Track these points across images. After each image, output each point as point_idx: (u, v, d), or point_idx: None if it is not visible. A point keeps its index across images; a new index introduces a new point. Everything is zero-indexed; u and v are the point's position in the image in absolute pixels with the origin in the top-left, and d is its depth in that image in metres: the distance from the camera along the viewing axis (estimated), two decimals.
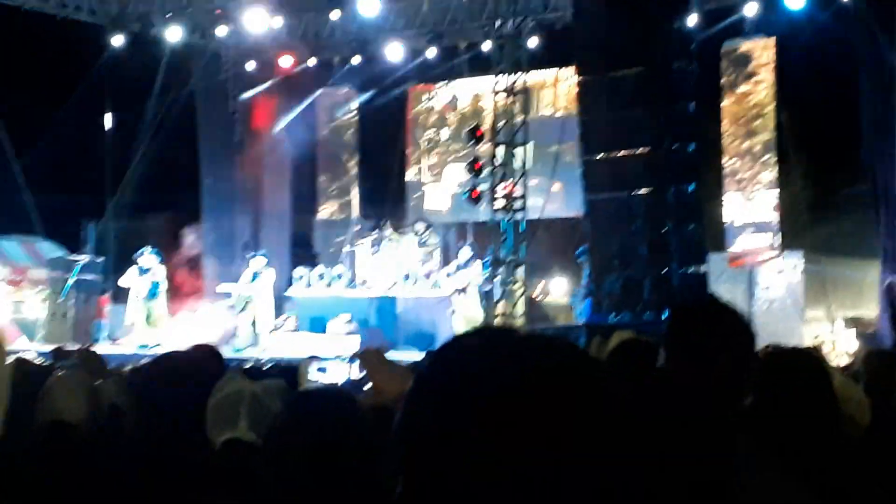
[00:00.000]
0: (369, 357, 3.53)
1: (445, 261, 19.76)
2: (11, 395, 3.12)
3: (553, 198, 19.69)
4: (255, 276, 18.65)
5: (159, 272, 18.58)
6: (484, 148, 18.93)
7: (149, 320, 18.32)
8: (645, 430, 1.40)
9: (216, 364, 4.09)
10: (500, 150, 18.42)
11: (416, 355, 11.71)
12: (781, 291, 18.21)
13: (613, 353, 4.27)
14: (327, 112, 23.60)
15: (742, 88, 18.93)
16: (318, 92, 23.16)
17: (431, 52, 21.44)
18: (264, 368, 7.57)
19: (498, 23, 18.95)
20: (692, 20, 17.15)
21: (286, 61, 22.25)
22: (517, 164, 18.36)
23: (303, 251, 22.78)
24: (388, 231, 19.99)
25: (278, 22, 20.94)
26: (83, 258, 20.03)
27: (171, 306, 19.22)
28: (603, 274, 15.11)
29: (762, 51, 18.73)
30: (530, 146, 18.94)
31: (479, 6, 20.46)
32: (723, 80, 19.01)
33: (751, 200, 18.70)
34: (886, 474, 3.43)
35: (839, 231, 17.84)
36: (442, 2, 20.91)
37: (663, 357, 3.01)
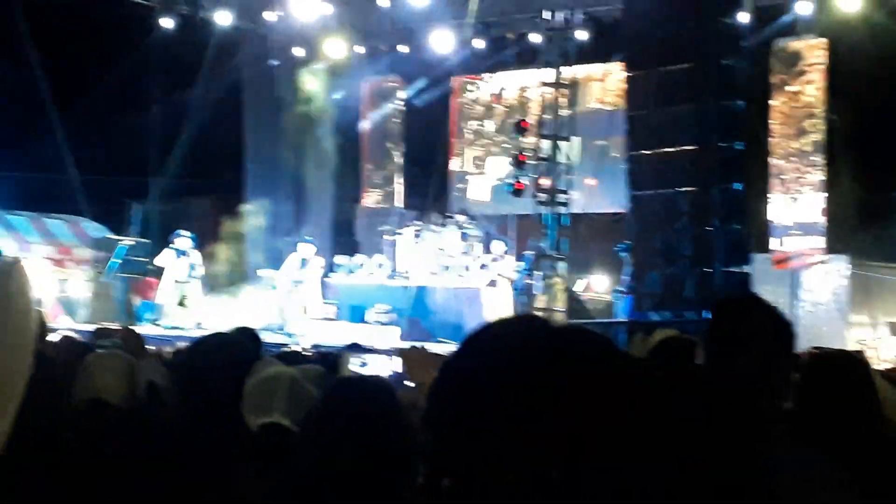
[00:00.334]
0: (412, 354, 3.50)
1: (487, 253, 19.76)
2: (53, 372, 3.13)
3: (597, 193, 19.60)
4: (303, 262, 18.71)
5: (194, 256, 18.69)
6: (529, 141, 18.87)
7: (182, 302, 18.42)
8: (675, 426, 1.37)
9: (255, 348, 4.10)
10: (546, 144, 18.35)
11: (453, 347, 11.70)
12: (826, 295, 18.00)
13: (654, 350, 4.25)
14: (373, 100, 23.63)
15: (792, 87, 18.72)
16: (364, 80, 23.19)
17: (479, 43, 21.39)
18: (304, 354, 7.58)
19: (547, 15, 18.86)
20: (743, 17, 16.98)
21: (333, 48, 22.26)
22: (562, 157, 18.28)
23: (344, 239, 22.82)
24: (430, 221, 19.98)
25: (327, 8, 20.97)
26: (127, 239, 20.18)
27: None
28: (645, 271, 15.03)
29: (813, 50, 18.51)
30: (576, 140, 18.85)
31: None
32: (773, 79, 18.82)
33: (797, 202, 18.51)
34: None
35: (886, 235, 17.64)
36: None
37: (701, 354, 3.00)
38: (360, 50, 22.57)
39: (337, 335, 17.24)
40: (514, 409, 1.18)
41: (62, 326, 15.10)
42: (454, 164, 23.34)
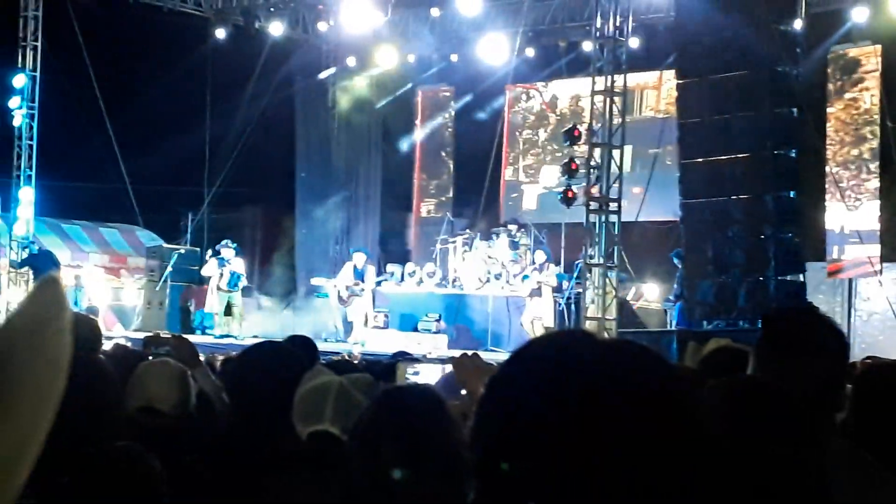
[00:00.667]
0: (465, 362, 3.46)
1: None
2: (105, 380, 3.15)
3: (650, 201, 19.47)
4: (356, 271, 18.77)
5: (237, 265, 18.74)
6: (581, 149, 18.80)
7: (229, 311, 18.49)
8: (727, 444, 1.35)
9: (309, 356, 4.11)
10: (597, 152, 18.27)
11: (503, 356, 11.68)
12: (882, 304, 17.76)
13: (706, 360, 4.20)
14: (425, 110, 23.67)
15: (850, 94, 18.51)
16: (417, 89, 23.25)
17: (530, 52, 21.36)
18: (356, 363, 7.60)
19: (599, 23, 18.78)
20: (798, 24, 16.81)
21: (385, 57, 22.33)
22: (614, 165, 18.19)
23: (395, 248, 22.88)
24: (482, 230, 19.99)
25: (379, 18, 21.05)
26: (181, 248, 20.36)
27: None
28: (697, 280, 14.90)
29: (870, 57, 18.30)
30: (628, 148, 18.76)
31: (580, 6, 20.33)
32: (830, 86, 18.62)
33: (854, 210, 18.27)
34: None
35: None
36: (542, 1, 20.82)
37: (752, 364, 2.97)
38: (412, 59, 22.63)
39: (387, 343, 17.29)
40: (561, 426, 1.17)
41: (116, 334, 15.27)
42: (508, 174, 23.32)
